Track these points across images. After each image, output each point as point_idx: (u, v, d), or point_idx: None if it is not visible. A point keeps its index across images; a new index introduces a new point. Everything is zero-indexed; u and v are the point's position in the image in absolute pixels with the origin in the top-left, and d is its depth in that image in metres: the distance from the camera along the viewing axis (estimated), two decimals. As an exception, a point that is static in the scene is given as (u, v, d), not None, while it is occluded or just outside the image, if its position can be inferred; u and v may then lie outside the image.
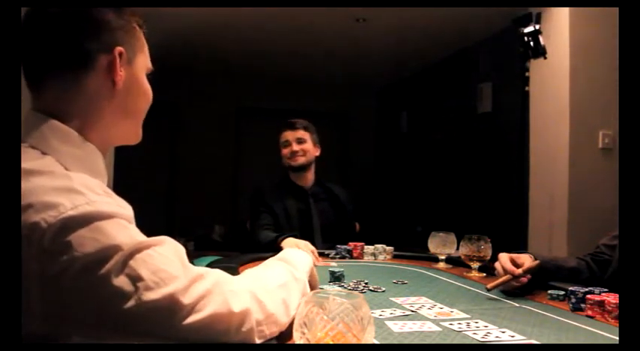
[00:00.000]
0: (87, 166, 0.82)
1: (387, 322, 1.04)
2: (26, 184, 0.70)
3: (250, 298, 0.78)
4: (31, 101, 0.84)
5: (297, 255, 1.06)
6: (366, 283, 1.42)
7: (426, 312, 1.13)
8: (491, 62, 4.21)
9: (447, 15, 3.69)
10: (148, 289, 0.67)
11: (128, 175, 4.89)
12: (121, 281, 0.66)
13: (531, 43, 2.71)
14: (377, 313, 1.10)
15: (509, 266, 1.34)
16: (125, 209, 0.74)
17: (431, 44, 4.48)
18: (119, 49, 0.83)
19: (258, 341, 0.78)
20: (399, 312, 1.13)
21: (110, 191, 0.76)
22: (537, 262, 1.37)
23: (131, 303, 0.66)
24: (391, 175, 5.96)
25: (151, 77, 0.94)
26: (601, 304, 1.11)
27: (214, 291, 0.74)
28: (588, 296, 1.15)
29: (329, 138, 3.19)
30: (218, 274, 0.78)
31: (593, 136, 2.96)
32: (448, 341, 0.94)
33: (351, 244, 1.99)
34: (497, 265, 1.40)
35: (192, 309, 0.70)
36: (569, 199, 2.90)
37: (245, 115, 6.03)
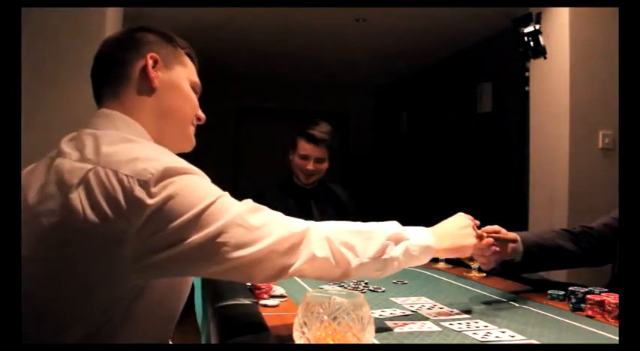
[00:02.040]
0: None
1: (387, 322, 1.04)
2: (127, 145, 0.86)
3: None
4: (97, 104, 1.00)
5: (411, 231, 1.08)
6: (366, 283, 1.42)
7: (426, 312, 1.13)
8: (491, 62, 4.21)
9: (446, 15, 3.69)
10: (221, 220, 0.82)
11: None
12: (206, 220, 0.81)
13: (531, 43, 2.70)
14: (377, 313, 1.10)
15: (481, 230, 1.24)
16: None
17: (431, 44, 4.48)
18: (152, 54, 0.98)
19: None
20: (399, 312, 1.13)
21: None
22: (512, 235, 1.34)
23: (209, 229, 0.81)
24: (391, 175, 5.96)
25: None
26: (601, 304, 1.11)
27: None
28: (588, 296, 1.15)
29: (329, 138, 3.17)
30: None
31: (593, 136, 2.96)
32: (448, 341, 0.94)
33: (351, 244, 1.98)
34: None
35: (257, 231, 0.85)
36: (569, 199, 2.90)
37: (245, 115, 6.03)
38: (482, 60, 4.35)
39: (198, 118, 1.09)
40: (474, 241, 1.14)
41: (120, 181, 0.78)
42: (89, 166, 0.81)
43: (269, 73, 5.68)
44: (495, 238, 1.26)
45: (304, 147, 2.24)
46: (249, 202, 0.90)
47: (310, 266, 0.89)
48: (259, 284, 1.24)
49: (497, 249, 1.28)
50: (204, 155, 6.85)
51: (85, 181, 0.79)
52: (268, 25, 4.09)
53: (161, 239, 0.78)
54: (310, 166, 2.25)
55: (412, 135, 5.59)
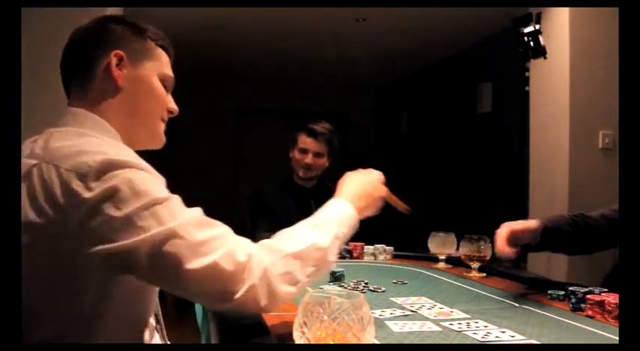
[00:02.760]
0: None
1: (387, 322, 1.04)
2: (77, 140, 0.83)
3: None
4: (68, 101, 0.98)
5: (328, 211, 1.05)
6: (366, 283, 1.42)
7: (426, 312, 1.13)
8: (491, 62, 4.21)
9: (446, 15, 3.69)
10: (165, 225, 0.78)
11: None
12: (147, 220, 0.77)
13: (531, 43, 2.70)
14: (377, 313, 1.10)
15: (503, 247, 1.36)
16: (158, 174, 0.86)
17: (431, 44, 4.48)
18: (116, 51, 0.94)
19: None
20: (399, 312, 1.13)
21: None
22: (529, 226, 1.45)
23: (150, 232, 0.77)
24: (391, 175, 5.94)
25: (175, 92, 1.05)
26: (601, 304, 1.11)
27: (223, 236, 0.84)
28: (588, 296, 1.15)
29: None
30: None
31: (593, 136, 2.96)
32: (448, 341, 0.93)
33: (351, 244, 1.98)
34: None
35: (200, 247, 0.79)
36: (569, 199, 2.90)
37: (245, 115, 6.03)
38: (482, 60, 4.35)
39: (171, 111, 1.05)
40: (384, 189, 1.17)
41: (59, 176, 0.77)
42: (33, 162, 0.80)
43: (269, 73, 5.68)
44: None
45: (304, 141, 2.31)
46: (197, 212, 0.85)
47: (252, 297, 0.81)
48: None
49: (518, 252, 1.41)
50: (204, 155, 6.86)
51: (28, 177, 0.79)
52: (268, 25, 4.09)
53: (99, 235, 0.75)
54: (309, 160, 2.29)
55: (412, 135, 5.59)
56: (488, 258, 1.64)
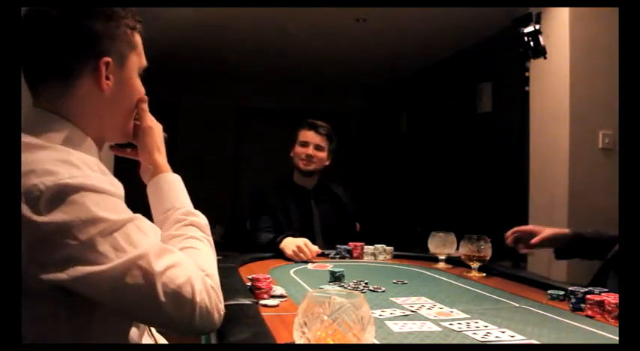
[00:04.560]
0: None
1: (387, 322, 1.04)
2: (29, 155, 0.77)
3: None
4: (32, 100, 0.90)
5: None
6: (366, 283, 1.42)
7: (426, 312, 1.13)
8: (491, 62, 4.21)
9: (446, 15, 3.69)
10: (125, 254, 0.75)
11: (128, 175, 4.89)
12: (105, 248, 0.74)
13: (531, 43, 2.70)
14: (377, 313, 1.10)
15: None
16: (116, 188, 0.82)
17: (431, 44, 4.48)
18: (105, 59, 0.88)
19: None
20: (399, 312, 1.13)
21: (106, 170, 0.84)
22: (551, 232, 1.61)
23: (108, 265, 0.74)
24: (391, 175, 5.96)
25: (145, 75, 0.98)
26: (601, 304, 1.11)
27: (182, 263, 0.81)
28: (588, 296, 1.15)
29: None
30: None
31: (593, 136, 2.96)
32: (448, 341, 0.94)
33: (351, 244, 1.99)
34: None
35: (162, 275, 0.77)
36: (569, 199, 2.90)
37: (245, 115, 6.03)
38: (482, 60, 4.35)
39: (141, 99, 1.00)
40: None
41: None
42: None
43: (269, 73, 5.69)
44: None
45: (304, 134, 2.36)
46: (156, 238, 0.83)
47: (210, 320, 0.81)
48: (259, 285, 1.24)
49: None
50: (204, 155, 6.86)
51: None
52: (268, 25, 4.09)
53: (52, 263, 0.72)
54: (310, 151, 2.32)
55: (412, 135, 5.59)
56: (488, 258, 1.65)
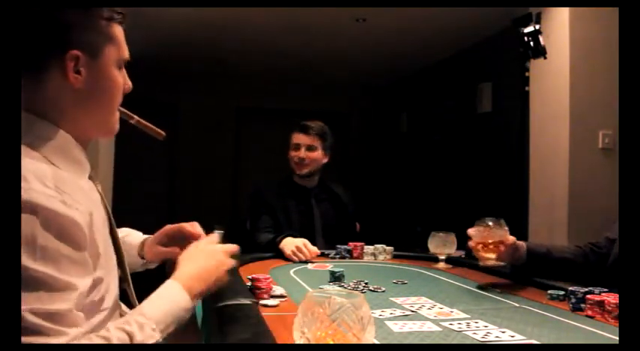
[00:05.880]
0: (66, 154, 0.87)
1: (387, 322, 1.04)
2: None
3: None
4: None
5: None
6: (366, 283, 1.42)
7: (426, 312, 1.13)
8: (491, 62, 4.21)
9: (446, 15, 3.69)
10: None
11: (128, 175, 4.89)
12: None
13: (531, 43, 2.70)
14: (377, 313, 1.10)
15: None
16: (70, 209, 0.76)
17: (431, 44, 4.48)
18: (73, 52, 0.84)
19: None
20: (399, 312, 1.13)
21: (65, 189, 0.78)
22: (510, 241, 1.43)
23: None
24: (391, 175, 5.96)
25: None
26: (601, 304, 1.11)
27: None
28: (588, 296, 1.15)
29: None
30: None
31: (593, 136, 2.96)
32: (448, 341, 0.94)
33: (351, 244, 1.99)
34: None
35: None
36: (569, 199, 2.90)
37: (245, 115, 6.03)
38: (482, 60, 4.35)
39: (126, 91, 0.97)
40: (229, 263, 1.02)
41: None
42: None
43: (269, 73, 5.68)
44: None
45: (296, 137, 2.40)
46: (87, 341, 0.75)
47: None
48: (259, 285, 1.24)
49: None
50: (204, 155, 6.87)
51: None
52: (268, 25, 4.09)
53: None
54: (302, 154, 2.35)
55: (412, 135, 5.59)
56: (510, 242, 1.43)
